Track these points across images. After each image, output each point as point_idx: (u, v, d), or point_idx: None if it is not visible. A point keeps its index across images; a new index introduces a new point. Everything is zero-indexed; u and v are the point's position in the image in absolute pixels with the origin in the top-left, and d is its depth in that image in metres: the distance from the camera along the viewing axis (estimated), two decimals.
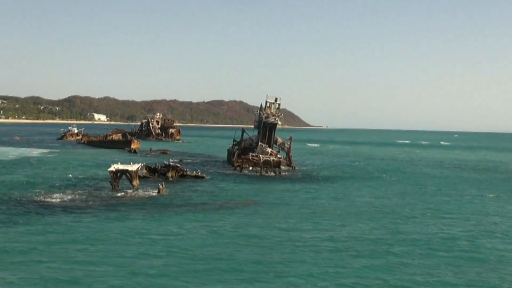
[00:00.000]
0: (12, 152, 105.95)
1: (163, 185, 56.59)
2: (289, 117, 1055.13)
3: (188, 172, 70.73)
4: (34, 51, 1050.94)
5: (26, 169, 75.27)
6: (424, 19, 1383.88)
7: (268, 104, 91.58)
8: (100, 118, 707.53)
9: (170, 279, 25.53)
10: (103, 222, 38.54)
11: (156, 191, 54.83)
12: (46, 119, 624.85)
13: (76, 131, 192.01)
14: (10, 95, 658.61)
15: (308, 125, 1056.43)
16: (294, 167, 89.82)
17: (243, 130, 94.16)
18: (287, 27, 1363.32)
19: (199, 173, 71.13)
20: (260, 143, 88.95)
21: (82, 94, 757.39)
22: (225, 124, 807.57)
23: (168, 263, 28.12)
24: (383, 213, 46.27)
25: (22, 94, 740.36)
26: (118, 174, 57.00)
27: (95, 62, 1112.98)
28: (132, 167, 57.64)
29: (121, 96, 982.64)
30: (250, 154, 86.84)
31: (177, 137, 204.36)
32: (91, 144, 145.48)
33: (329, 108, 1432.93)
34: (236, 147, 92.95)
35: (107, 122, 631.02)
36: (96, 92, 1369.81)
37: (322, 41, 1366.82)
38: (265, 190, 60.09)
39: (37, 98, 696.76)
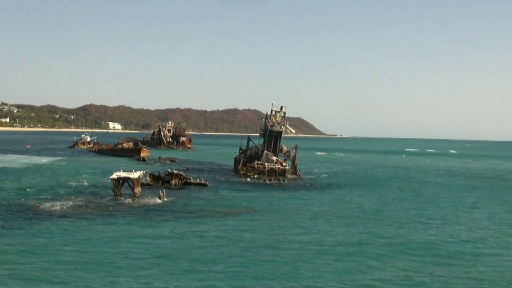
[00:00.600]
0: (21, 160, 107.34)
1: (164, 193, 57.47)
2: (304, 125, 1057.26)
3: (192, 180, 71.46)
4: (49, 60, 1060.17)
5: (31, 176, 76.58)
6: (435, 28, 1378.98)
7: (273, 113, 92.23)
8: (115, 126, 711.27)
9: (150, 279, 26.26)
10: (97, 226, 39.55)
11: (157, 198, 55.65)
12: (61, 127, 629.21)
13: (88, 139, 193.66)
14: (25, 103, 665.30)
15: (323, 133, 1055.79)
16: (299, 175, 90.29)
17: (248, 139, 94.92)
18: (303, 36, 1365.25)
19: (202, 181, 71.82)
20: (265, 151, 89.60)
21: (97, 103, 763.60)
22: (239, 132, 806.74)
23: (149, 265, 28.95)
24: (373, 219, 46.98)
25: (38, 102, 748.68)
26: (120, 182, 57.93)
27: (110, 71, 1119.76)
28: (134, 175, 58.52)
29: (136, 105, 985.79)
30: (256, 162, 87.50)
31: (189, 146, 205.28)
32: (102, 152, 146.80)
33: (344, 117, 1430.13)
34: (242, 155, 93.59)
35: (122, 131, 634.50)
36: (111, 100, 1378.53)
37: (338, 50, 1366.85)
38: (265, 198, 60.70)
39: (53, 106, 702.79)
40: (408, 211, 52.70)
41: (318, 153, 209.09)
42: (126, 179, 58.21)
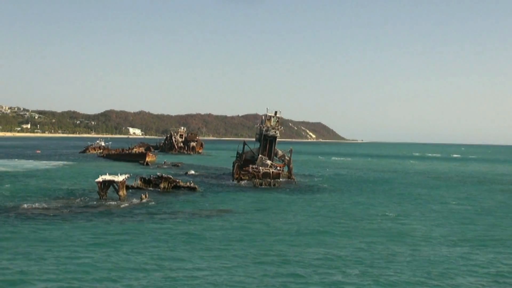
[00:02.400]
0: (27, 165, 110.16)
1: (146, 195, 59.53)
2: (324, 130, 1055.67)
3: (181, 183, 73.14)
4: (70, 66, 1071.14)
5: (27, 180, 78.84)
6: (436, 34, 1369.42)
7: (268, 117, 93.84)
8: (135, 132, 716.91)
9: (101, 273, 28.14)
10: (72, 226, 41.59)
11: (139, 200, 57.64)
12: (82, 133, 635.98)
13: (103, 144, 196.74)
14: (47, 109, 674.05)
15: (343, 138, 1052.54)
16: (294, 179, 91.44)
17: (244, 143, 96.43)
18: (323, 43, 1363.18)
19: (191, 184, 73.49)
20: (260, 155, 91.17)
21: (118, 109, 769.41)
22: None
23: (107, 260, 30.80)
24: (334, 217, 48.28)
25: (59, 108, 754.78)
26: (105, 185, 59.82)
27: (130, 76, 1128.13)
28: (118, 178, 60.30)
29: (156, 110, 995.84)
30: (250, 166, 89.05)
31: (200, 150, 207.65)
32: (109, 157, 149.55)
33: (365, 122, 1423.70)
34: (238, 160, 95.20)
35: (142, 136, 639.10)
36: (131, 106, 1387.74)
37: (358, 56, 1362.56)
38: (247, 200, 62.33)
39: (74, 112, 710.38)
40: (378, 213, 54.17)
41: (336, 158, 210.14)
42: (111, 182, 60.04)
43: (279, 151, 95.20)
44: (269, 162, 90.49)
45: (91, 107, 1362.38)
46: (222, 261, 31.65)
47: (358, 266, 31.45)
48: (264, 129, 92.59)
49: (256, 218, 48.89)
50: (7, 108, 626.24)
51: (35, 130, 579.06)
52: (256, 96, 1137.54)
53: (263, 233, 40.89)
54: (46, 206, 52.65)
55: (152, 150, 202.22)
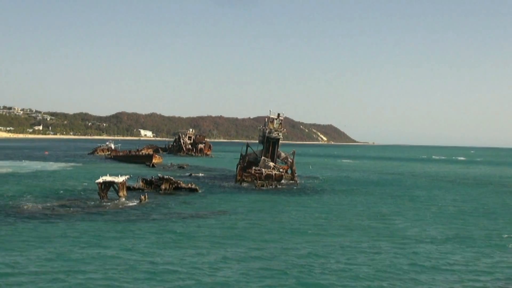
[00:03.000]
0: (34, 166, 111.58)
1: (146, 196, 60.39)
2: (335, 133, 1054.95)
3: (182, 185, 74.03)
4: (82, 68, 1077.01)
5: (31, 181, 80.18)
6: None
7: (271, 119, 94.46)
8: (147, 134, 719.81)
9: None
10: (66, 225, 42.72)
11: (138, 201, 58.56)
12: (94, 135, 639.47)
13: (113, 146, 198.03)
14: (59, 111, 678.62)
15: (355, 141, 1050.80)
16: (297, 181, 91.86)
17: (247, 145, 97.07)
18: (334, 44, 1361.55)
19: (192, 186, 74.35)
20: (263, 157, 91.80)
21: (129, 111, 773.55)
22: None
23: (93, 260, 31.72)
24: (335, 223, 49.13)
25: (71, 110, 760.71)
26: (106, 186, 60.79)
27: (142, 78, 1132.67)
28: (118, 179, 61.30)
29: (167, 112, 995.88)
30: (253, 168, 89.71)
31: (208, 152, 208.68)
32: (117, 158, 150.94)
33: (376, 124, 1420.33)
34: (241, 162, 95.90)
35: (153, 138, 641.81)
36: (143, 108, 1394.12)
37: (370, 58, 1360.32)
38: (246, 201, 63.22)
39: (85, 114, 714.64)
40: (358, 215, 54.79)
41: (345, 160, 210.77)
42: (111, 183, 61.03)
43: (282, 153, 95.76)
44: (271, 164, 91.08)
45: (103, 109, 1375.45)
46: (207, 259, 32.53)
47: (338, 264, 32.23)
48: (267, 131, 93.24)
49: (248, 218, 49.75)
50: (19, 109, 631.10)
51: (47, 132, 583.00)
52: (267, 98, 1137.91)
53: (252, 233, 41.81)
54: (45, 205, 53.84)
55: (161, 152, 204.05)
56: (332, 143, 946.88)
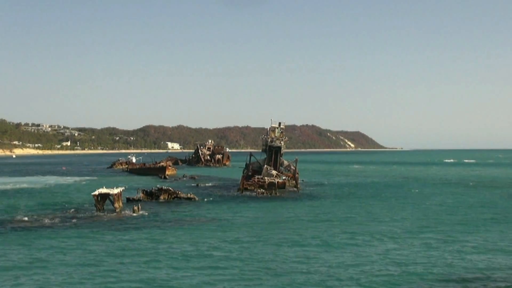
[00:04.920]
0: (49, 181, 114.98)
1: (139, 207, 62.79)
2: (363, 139, 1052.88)
3: (181, 195, 76.58)
4: (110, 84, 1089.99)
5: (40, 194, 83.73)
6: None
7: (272, 129, 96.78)
8: (174, 146, 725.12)
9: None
10: (57, 235, 45.62)
11: (132, 212, 61.04)
12: (121, 149, 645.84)
13: (134, 160, 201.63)
14: (87, 127, 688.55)
15: (383, 147, 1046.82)
16: (299, 188, 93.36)
17: (250, 154, 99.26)
18: (360, 51, 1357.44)
19: (190, 195, 76.77)
20: (265, 165, 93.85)
21: (156, 124, 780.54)
22: (297, 148, 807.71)
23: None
24: (321, 228, 50.92)
25: (98, 125, 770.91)
26: (102, 197, 63.30)
27: (168, 92, 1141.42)
28: (113, 191, 63.75)
29: (194, 124, 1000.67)
30: (256, 176, 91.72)
31: (226, 163, 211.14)
32: (133, 171, 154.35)
33: (406, 130, 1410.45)
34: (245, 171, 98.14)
35: (180, 150, 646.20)
36: (170, 121, 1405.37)
37: (398, 62, 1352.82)
38: (237, 209, 65.35)
39: (113, 128, 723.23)
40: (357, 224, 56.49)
41: (356, 166, 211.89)
42: (106, 195, 63.50)
43: (284, 161, 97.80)
44: (274, 172, 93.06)
45: (130, 123, 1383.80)
46: (183, 265, 34.75)
47: (325, 264, 34.22)
48: (269, 140, 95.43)
49: (233, 225, 51.90)
50: (47, 126, 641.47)
51: (75, 147, 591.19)
52: (293, 107, 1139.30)
53: (230, 240, 43.59)
54: (41, 218, 56.55)
55: (180, 163, 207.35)
56: (360, 149, 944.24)
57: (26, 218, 56.15)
